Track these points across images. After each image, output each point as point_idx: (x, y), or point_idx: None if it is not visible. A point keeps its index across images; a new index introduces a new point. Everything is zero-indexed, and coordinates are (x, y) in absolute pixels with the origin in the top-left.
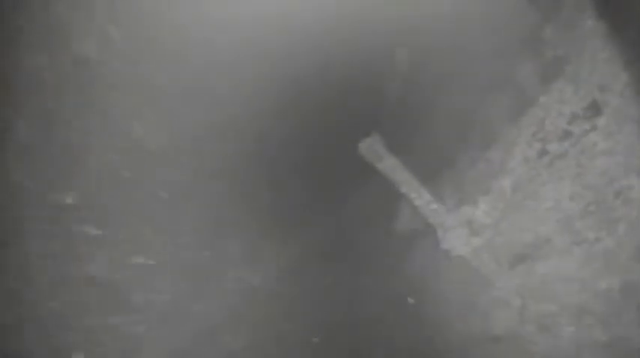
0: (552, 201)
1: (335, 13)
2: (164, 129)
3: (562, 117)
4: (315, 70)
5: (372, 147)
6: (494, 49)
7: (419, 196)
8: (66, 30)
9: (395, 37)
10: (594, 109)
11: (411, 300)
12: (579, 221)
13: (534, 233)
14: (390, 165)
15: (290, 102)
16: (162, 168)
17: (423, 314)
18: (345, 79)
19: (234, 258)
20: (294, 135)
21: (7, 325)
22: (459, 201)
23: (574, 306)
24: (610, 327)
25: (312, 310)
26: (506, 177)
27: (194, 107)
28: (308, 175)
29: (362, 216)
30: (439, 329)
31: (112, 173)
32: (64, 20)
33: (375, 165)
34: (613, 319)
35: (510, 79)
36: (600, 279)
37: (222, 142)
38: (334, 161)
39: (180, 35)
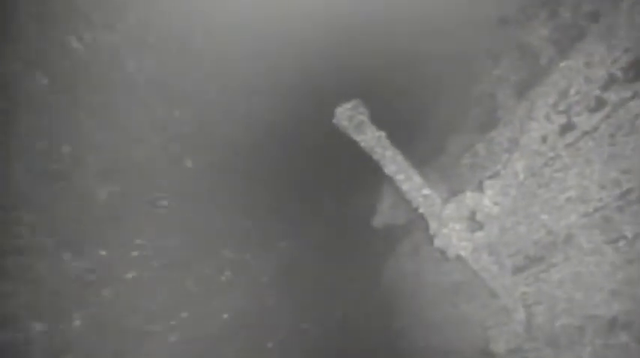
0: (577, 189)
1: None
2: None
3: (592, 84)
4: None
5: (350, 114)
6: (498, 15)
7: (407, 179)
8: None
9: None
10: (636, 71)
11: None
12: (614, 213)
13: (551, 228)
14: (372, 138)
15: (283, 99)
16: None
17: (401, 328)
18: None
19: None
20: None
21: None
22: (459, 186)
23: (602, 320)
24: None
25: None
26: (519, 159)
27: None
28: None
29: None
30: (419, 345)
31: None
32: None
33: (353, 137)
34: None
35: (519, 46)
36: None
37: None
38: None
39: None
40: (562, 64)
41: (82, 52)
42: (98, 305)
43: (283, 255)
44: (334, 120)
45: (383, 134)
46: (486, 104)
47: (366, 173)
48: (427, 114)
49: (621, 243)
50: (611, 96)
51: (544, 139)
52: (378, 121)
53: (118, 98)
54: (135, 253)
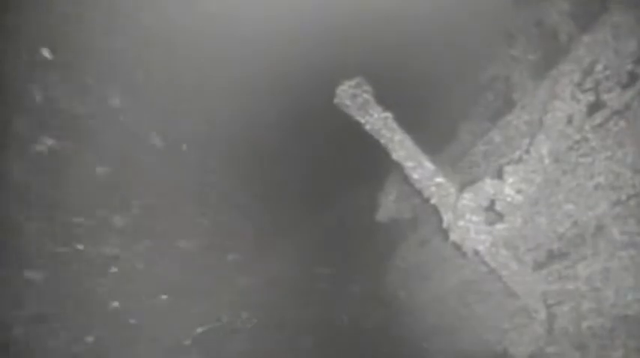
0: (607, 175)
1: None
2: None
3: (623, 57)
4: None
5: (353, 93)
6: None
7: (418, 166)
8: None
9: None
10: None
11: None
12: None
13: (578, 219)
14: (378, 120)
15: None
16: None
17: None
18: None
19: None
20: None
21: None
22: (473, 176)
23: (636, 321)
24: None
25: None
26: (544, 141)
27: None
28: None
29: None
30: (427, 347)
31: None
32: None
33: (357, 118)
34: None
35: (537, 23)
36: None
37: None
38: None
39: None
40: (586, 39)
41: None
42: None
43: (282, 255)
44: (335, 100)
45: (390, 115)
46: (501, 87)
47: (371, 162)
48: (437, 98)
49: None
50: None
51: (570, 120)
52: (383, 105)
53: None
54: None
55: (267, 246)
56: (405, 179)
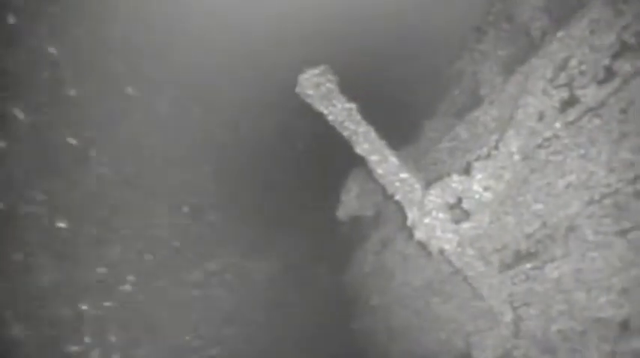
0: (580, 174)
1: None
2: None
3: (599, 52)
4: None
5: (317, 82)
6: None
7: (382, 160)
8: None
9: None
10: None
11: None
12: (628, 200)
13: (547, 220)
14: (342, 111)
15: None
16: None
17: (367, 329)
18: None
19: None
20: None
21: None
22: (437, 173)
23: (610, 324)
24: None
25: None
26: (514, 137)
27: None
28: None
29: None
30: (387, 348)
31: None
32: None
33: (319, 108)
34: None
35: (509, 17)
36: None
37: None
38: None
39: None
40: (561, 33)
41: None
42: None
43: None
44: (297, 89)
45: (354, 106)
46: (468, 82)
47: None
48: (402, 94)
49: (636, 235)
50: (624, 65)
51: (541, 116)
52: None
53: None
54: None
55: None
56: (368, 175)
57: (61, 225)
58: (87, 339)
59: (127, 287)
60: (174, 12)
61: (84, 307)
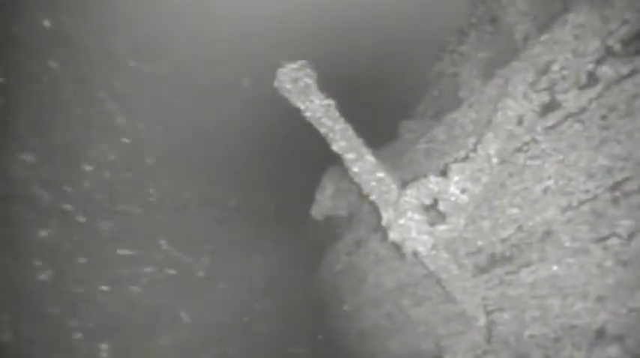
0: (558, 179)
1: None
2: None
3: (583, 57)
4: None
5: (295, 76)
6: None
7: (359, 158)
8: None
9: None
10: (637, 44)
11: (320, 337)
12: (607, 207)
13: (523, 224)
14: (319, 107)
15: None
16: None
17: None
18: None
19: None
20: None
21: None
22: (418, 170)
23: (585, 331)
24: None
25: None
26: (493, 140)
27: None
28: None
29: None
30: (357, 351)
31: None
32: None
33: (296, 103)
34: None
35: (492, 20)
36: (635, 294)
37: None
38: None
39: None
40: (544, 37)
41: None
42: None
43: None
44: (275, 83)
45: (332, 103)
46: (447, 84)
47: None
48: (381, 93)
49: (613, 242)
50: (607, 71)
51: (520, 120)
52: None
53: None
54: None
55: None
56: (343, 174)
57: None
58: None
59: None
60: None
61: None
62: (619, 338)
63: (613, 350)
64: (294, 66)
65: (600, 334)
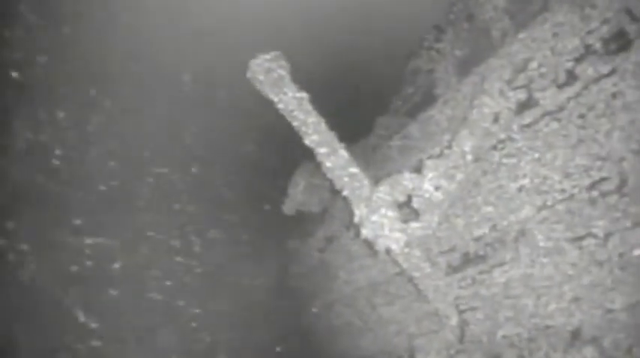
0: (533, 178)
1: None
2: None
3: (562, 55)
4: None
5: (268, 67)
6: None
7: (331, 153)
8: None
9: None
10: (619, 43)
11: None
12: (583, 207)
13: (497, 223)
14: (292, 99)
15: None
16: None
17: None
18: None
19: None
20: None
21: None
22: (391, 168)
23: (560, 332)
24: None
25: None
26: (468, 137)
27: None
28: None
29: None
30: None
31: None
32: None
33: (269, 95)
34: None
35: (469, 17)
36: (611, 295)
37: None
38: None
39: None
40: (522, 35)
41: None
42: None
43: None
44: (248, 74)
45: (306, 96)
46: (423, 81)
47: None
48: (355, 89)
49: (589, 242)
50: (586, 70)
51: (496, 118)
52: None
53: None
54: None
55: None
56: (316, 170)
57: None
58: None
59: None
60: None
61: None
62: (595, 340)
63: (589, 351)
64: (267, 57)
65: (576, 335)
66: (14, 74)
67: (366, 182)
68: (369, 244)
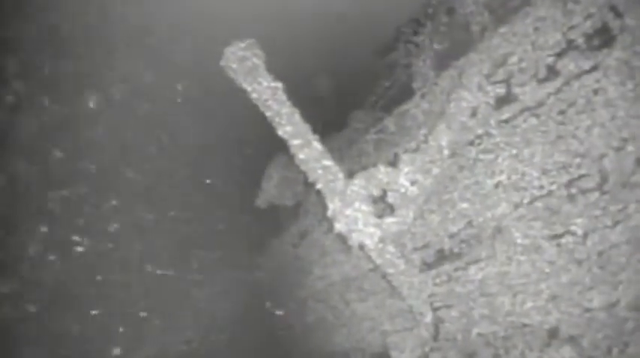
0: (510, 174)
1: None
2: None
3: (543, 50)
4: None
5: (242, 56)
6: None
7: (305, 145)
8: None
9: None
10: (602, 38)
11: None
12: (562, 204)
13: (473, 220)
14: (266, 89)
15: None
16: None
17: (266, 325)
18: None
19: None
20: None
21: None
22: (366, 162)
23: (537, 330)
24: None
25: None
26: (445, 131)
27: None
28: None
29: None
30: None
31: None
32: None
33: (243, 84)
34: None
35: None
36: (589, 294)
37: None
38: None
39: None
40: (503, 29)
41: None
42: None
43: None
44: (222, 62)
45: (280, 86)
46: (400, 74)
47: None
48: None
49: (567, 240)
50: (568, 65)
51: (474, 113)
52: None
53: None
54: None
55: None
56: (290, 163)
57: None
58: None
59: None
60: None
61: None
62: (573, 339)
63: (566, 351)
64: (241, 44)
65: (553, 334)
66: None
67: (340, 175)
68: (342, 239)
